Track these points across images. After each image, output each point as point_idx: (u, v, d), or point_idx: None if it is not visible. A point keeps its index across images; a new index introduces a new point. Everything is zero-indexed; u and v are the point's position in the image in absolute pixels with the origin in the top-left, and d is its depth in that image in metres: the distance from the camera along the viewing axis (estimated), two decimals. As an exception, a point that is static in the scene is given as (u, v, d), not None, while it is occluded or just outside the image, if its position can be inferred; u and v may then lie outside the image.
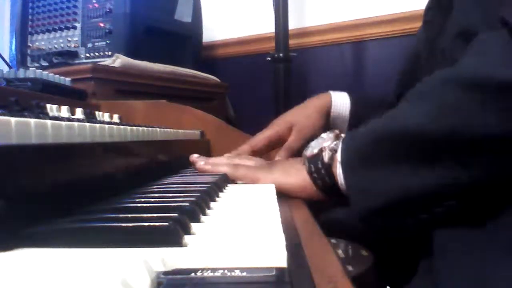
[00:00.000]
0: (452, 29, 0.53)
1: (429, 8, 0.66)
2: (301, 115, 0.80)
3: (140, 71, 1.14)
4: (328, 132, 0.58)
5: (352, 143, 0.52)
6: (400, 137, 0.46)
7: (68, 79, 0.85)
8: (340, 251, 0.73)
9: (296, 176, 0.57)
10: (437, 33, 0.59)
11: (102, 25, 1.20)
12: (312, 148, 0.57)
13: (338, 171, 0.52)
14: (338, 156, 0.52)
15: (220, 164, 0.63)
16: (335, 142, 0.55)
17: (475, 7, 0.50)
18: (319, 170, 0.54)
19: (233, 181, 0.59)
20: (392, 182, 0.46)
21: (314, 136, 0.79)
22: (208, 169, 0.62)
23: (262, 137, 0.79)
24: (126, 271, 0.18)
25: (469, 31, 0.49)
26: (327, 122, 0.80)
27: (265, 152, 0.81)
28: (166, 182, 0.51)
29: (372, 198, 0.47)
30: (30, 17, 1.29)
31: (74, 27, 1.24)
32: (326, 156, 0.54)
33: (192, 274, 0.19)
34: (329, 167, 0.54)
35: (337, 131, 0.57)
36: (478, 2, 0.50)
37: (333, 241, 0.77)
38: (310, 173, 0.56)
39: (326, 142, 0.56)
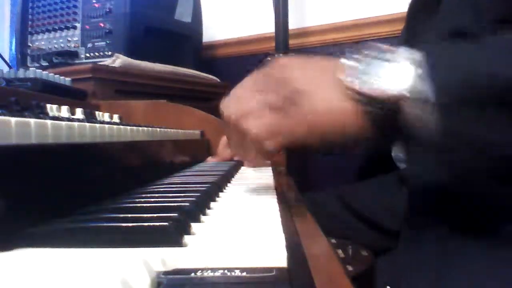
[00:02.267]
0: (440, 28, 0.52)
1: (412, 6, 0.65)
2: None
3: (140, 71, 1.14)
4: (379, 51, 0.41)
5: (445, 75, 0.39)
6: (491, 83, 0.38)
7: (68, 79, 0.85)
8: (340, 251, 0.73)
9: (342, 121, 0.42)
10: (421, 32, 0.58)
11: (102, 25, 1.20)
12: (362, 74, 0.40)
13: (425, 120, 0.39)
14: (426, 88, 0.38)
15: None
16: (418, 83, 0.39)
17: (466, 7, 0.49)
18: (383, 114, 0.40)
19: (229, 181, 0.59)
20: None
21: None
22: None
23: None
24: (126, 271, 0.18)
25: (460, 31, 0.48)
26: None
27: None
28: (166, 182, 0.51)
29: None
30: (30, 17, 1.29)
31: (74, 27, 1.24)
32: (393, 100, 0.39)
33: (192, 274, 0.19)
34: (396, 112, 0.39)
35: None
36: (469, 3, 0.49)
37: (333, 241, 0.77)
38: (370, 115, 0.40)
39: (393, 77, 0.40)
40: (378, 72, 0.39)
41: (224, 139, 0.88)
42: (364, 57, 0.40)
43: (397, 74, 0.38)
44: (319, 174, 1.47)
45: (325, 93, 0.42)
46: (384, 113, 0.39)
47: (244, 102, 0.45)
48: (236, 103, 0.46)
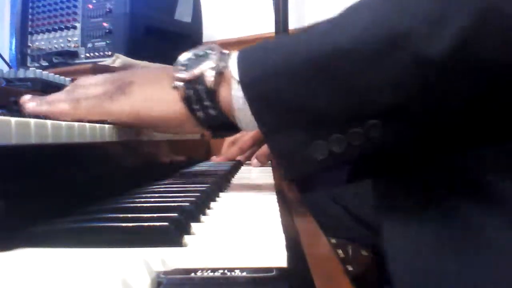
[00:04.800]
0: None
1: None
2: None
3: (140, 71, 1.14)
4: (206, 48, 0.44)
5: (263, 63, 0.40)
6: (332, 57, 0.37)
7: (68, 79, 0.85)
8: (340, 251, 0.73)
9: (166, 104, 0.44)
10: None
11: (102, 25, 1.20)
12: (187, 67, 0.43)
13: (236, 98, 0.40)
14: (234, 75, 0.40)
15: (58, 100, 0.47)
16: (222, 61, 0.42)
17: None
18: (201, 98, 0.42)
19: (231, 181, 0.59)
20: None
21: None
22: (44, 110, 0.45)
23: (247, 138, 0.83)
24: (126, 271, 0.18)
25: None
26: None
27: (251, 150, 0.84)
28: (166, 182, 0.51)
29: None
30: (30, 17, 1.29)
31: (74, 27, 1.24)
32: (209, 78, 0.41)
33: (192, 274, 0.19)
34: (214, 93, 0.41)
35: (221, 49, 0.44)
36: None
37: (333, 241, 0.77)
38: (186, 101, 0.42)
39: (206, 62, 0.42)
40: (199, 63, 0.42)
41: (229, 138, 0.88)
42: (194, 55, 0.44)
43: (211, 61, 0.42)
44: (319, 176, 1.47)
45: (153, 86, 0.45)
46: (199, 94, 0.42)
47: (77, 88, 0.48)
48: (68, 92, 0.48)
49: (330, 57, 0.37)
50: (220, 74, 0.41)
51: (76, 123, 0.37)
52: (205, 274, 0.19)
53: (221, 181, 0.51)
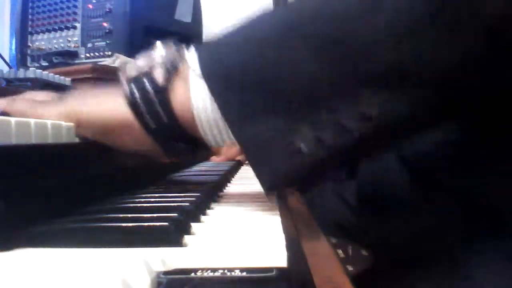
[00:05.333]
0: None
1: None
2: None
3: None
4: (158, 47, 0.37)
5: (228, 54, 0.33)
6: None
7: (68, 79, 0.85)
8: (340, 251, 0.73)
9: (111, 104, 0.36)
10: None
11: (102, 25, 1.20)
12: (133, 66, 0.36)
13: (195, 97, 0.33)
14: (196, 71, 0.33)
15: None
16: (175, 55, 0.36)
17: None
18: (148, 98, 0.34)
19: (230, 180, 0.59)
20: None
21: None
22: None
23: None
24: (126, 271, 0.18)
25: None
26: None
27: None
28: (166, 182, 0.51)
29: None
30: (30, 17, 1.29)
31: (74, 27, 1.24)
32: (158, 73, 0.35)
33: (192, 274, 0.19)
34: (165, 93, 0.34)
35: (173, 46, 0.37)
36: None
37: (333, 241, 0.77)
38: (131, 102, 0.35)
39: (155, 55, 0.36)
40: (147, 57, 0.37)
41: None
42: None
43: (161, 54, 0.36)
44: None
45: (97, 93, 0.40)
46: (146, 94, 0.34)
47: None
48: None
49: (310, 19, 0.31)
50: (174, 70, 0.35)
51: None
52: (205, 274, 0.19)
53: (221, 181, 0.51)
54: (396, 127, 0.32)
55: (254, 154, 0.33)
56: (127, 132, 0.36)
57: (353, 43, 0.30)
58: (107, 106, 0.37)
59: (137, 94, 0.34)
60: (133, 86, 0.35)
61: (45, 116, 0.36)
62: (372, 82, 0.30)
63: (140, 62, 0.36)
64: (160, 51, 0.36)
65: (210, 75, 0.32)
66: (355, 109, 0.30)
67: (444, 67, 0.30)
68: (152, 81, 0.34)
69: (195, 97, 0.33)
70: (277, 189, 0.35)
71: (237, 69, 0.31)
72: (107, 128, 0.37)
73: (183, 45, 0.36)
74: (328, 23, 0.30)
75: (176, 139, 0.36)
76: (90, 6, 1.21)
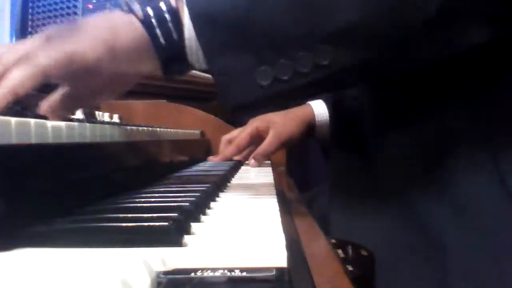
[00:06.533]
0: None
1: None
2: (281, 118, 0.81)
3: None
4: None
5: None
6: None
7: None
8: (340, 251, 0.73)
9: (130, 31, 0.38)
10: None
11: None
12: None
13: (187, 24, 0.37)
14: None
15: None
16: None
17: None
18: (163, 19, 0.38)
19: (230, 179, 0.59)
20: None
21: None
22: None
23: (244, 135, 0.82)
24: (126, 271, 0.18)
25: None
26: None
27: (249, 150, 0.85)
28: (166, 182, 0.51)
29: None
30: (30, 17, 1.29)
31: (74, 27, 1.24)
32: None
33: (192, 274, 0.19)
34: (177, 14, 0.38)
35: None
36: None
37: (333, 241, 0.77)
38: (146, 23, 0.38)
39: None
40: None
41: (225, 137, 0.88)
42: None
43: None
44: (319, 174, 1.47)
45: (109, 16, 0.40)
46: (161, 15, 0.37)
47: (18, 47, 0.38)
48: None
49: None
50: None
51: (76, 123, 0.37)
52: (205, 274, 0.19)
53: (221, 181, 0.51)
54: (342, 77, 0.39)
55: (221, 81, 0.38)
56: (140, 54, 0.39)
57: (320, 3, 0.35)
58: (127, 28, 0.38)
59: (152, 13, 0.38)
60: (147, 6, 0.38)
61: (78, 54, 0.36)
62: (329, 38, 0.35)
63: None
64: None
65: (193, 14, 0.36)
66: (310, 59, 0.36)
67: (395, 33, 0.36)
68: (166, 2, 0.38)
69: (188, 24, 0.37)
70: (239, 113, 0.40)
71: (216, 10, 0.36)
72: (128, 52, 0.38)
73: None
74: None
75: (176, 58, 0.39)
76: (90, 6, 1.21)
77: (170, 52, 0.38)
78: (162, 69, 0.40)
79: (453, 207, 0.44)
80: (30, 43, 0.38)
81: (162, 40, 0.38)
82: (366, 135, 0.55)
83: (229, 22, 0.36)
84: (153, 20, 0.38)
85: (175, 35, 0.38)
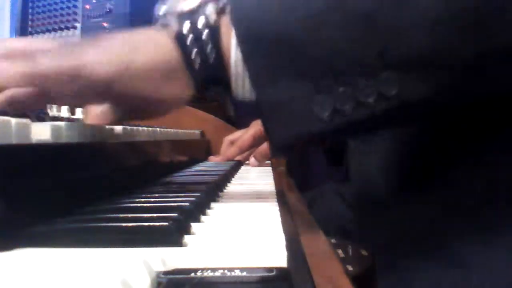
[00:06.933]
0: None
1: None
2: None
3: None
4: None
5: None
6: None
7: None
8: (340, 251, 0.73)
9: (154, 45, 0.34)
10: None
11: (102, 25, 1.20)
12: (183, 3, 0.34)
13: (234, 44, 0.32)
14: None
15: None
16: None
17: None
18: (199, 36, 0.33)
19: (230, 180, 0.59)
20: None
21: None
22: None
23: (247, 137, 0.81)
24: (126, 271, 0.18)
25: None
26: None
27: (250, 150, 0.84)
28: (166, 182, 0.51)
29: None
30: (30, 17, 1.29)
31: (74, 27, 1.24)
32: (211, 11, 0.33)
33: (192, 274, 0.19)
34: (216, 31, 0.33)
35: None
36: None
37: (333, 241, 0.77)
38: (179, 38, 0.33)
39: None
40: None
41: (227, 138, 0.88)
42: None
43: None
44: (319, 174, 1.47)
45: (135, 33, 0.36)
46: (197, 30, 0.32)
47: None
48: None
49: None
50: (222, 11, 0.33)
51: (76, 123, 0.37)
52: (205, 274, 0.19)
53: (221, 181, 0.51)
54: (413, 110, 0.33)
55: (270, 113, 0.32)
56: (169, 74, 0.34)
57: (389, 23, 0.30)
58: (154, 50, 0.34)
59: (187, 30, 0.33)
60: (183, 21, 0.33)
61: (88, 66, 0.33)
62: (396, 64, 0.30)
63: (190, 0, 0.34)
64: None
65: (241, 35, 0.31)
66: (374, 88, 0.31)
67: (468, 58, 0.31)
68: (205, 16, 0.33)
69: (234, 46, 0.32)
70: (287, 150, 0.36)
71: (268, 31, 0.31)
72: (151, 71, 0.34)
73: None
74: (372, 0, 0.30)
75: (214, 82, 0.35)
76: (90, 6, 1.21)
77: (204, 75, 0.34)
78: (197, 92, 0.36)
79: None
80: (41, 42, 0.35)
81: (197, 60, 0.33)
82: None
83: (281, 42, 0.31)
84: (188, 36, 0.33)
85: (212, 57, 0.33)
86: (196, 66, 0.33)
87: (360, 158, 0.56)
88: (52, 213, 0.29)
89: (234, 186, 0.54)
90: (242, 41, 0.31)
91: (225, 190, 0.49)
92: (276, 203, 0.38)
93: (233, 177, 0.63)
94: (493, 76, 0.33)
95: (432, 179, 0.44)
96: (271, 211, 0.34)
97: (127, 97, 0.35)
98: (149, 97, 0.36)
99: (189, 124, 0.95)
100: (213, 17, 0.33)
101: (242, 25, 0.31)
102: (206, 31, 0.33)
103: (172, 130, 0.75)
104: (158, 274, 0.19)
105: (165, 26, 0.34)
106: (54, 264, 0.21)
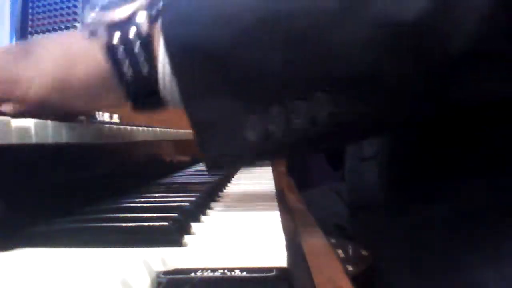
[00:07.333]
0: None
1: None
2: None
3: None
4: None
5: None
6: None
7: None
8: (340, 251, 0.73)
9: (87, 63, 0.32)
10: None
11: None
12: (114, 12, 0.33)
13: (162, 54, 0.31)
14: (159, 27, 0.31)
15: None
16: (154, 5, 0.32)
17: None
18: (131, 47, 0.31)
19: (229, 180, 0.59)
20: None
21: None
22: None
23: None
24: (126, 271, 0.18)
25: None
26: None
27: None
28: (166, 182, 0.51)
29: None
30: (30, 17, 1.29)
31: (74, 27, 1.24)
32: (142, 20, 0.31)
33: (192, 274, 0.19)
34: (149, 42, 0.31)
35: None
36: None
37: (333, 241, 0.77)
38: (109, 49, 0.31)
39: (136, 1, 0.32)
40: (125, 3, 0.33)
41: None
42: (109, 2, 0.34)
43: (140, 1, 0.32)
44: (319, 174, 1.47)
45: (64, 39, 0.35)
46: (128, 41, 0.31)
47: None
48: None
49: (290, 11, 0.29)
50: (155, 19, 0.31)
51: (76, 123, 0.37)
52: (205, 274, 0.19)
53: (221, 181, 0.51)
54: (343, 131, 0.33)
55: (201, 131, 0.32)
56: (101, 88, 0.33)
57: (326, 47, 0.29)
58: (88, 65, 0.32)
59: (118, 42, 0.31)
60: (114, 32, 0.31)
61: (22, 84, 0.32)
62: (330, 86, 0.29)
63: (121, 9, 0.32)
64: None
65: (172, 46, 0.30)
66: (306, 110, 0.30)
67: (407, 83, 0.30)
68: (137, 26, 0.31)
69: (163, 57, 0.31)
70: (219, 168, 0.35)
71: (199, 46, 0.30)
72: (87, 87, 0.33)
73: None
74: (306, 20, 0.29)
75: (148, 94, 0.32)
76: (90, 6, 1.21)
77: (137, 87, 0.32)
78: (131, 104, 0.34)
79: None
80: None
81: (129, 72, 0.31)
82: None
83: (212, 58, 0.29)
84: (119, 48, 0.31)
85: (145, 68, 0.31)
86: (129, 78, 0.31)
87: (353, 162, 0.57)
88: (52, 213, 0.29)
89: (234, 186, 0.54)
90: (171, 54, 0.30)
91: (225, 190, 0.49)
92: (276, 203, 0.38)
93: (233, 177, 0.63)
94: (431, 93, 0.32)
95: (424, 187, 0.44)
96: (271, 211, 0.34)
97: (60, 112, 0.34)
98: (84, 111, 0.37)
99: (189, 124, 0.94)
100: (145, 27, 0.31)
101: (171, 37, 0.30)
102: (138, 42, 0.31)
103: (172, 130, 0.75)
104: (158, 274, 0.19)
105: (94, 33, 0.33)
106: (54, 264, 0.21)
